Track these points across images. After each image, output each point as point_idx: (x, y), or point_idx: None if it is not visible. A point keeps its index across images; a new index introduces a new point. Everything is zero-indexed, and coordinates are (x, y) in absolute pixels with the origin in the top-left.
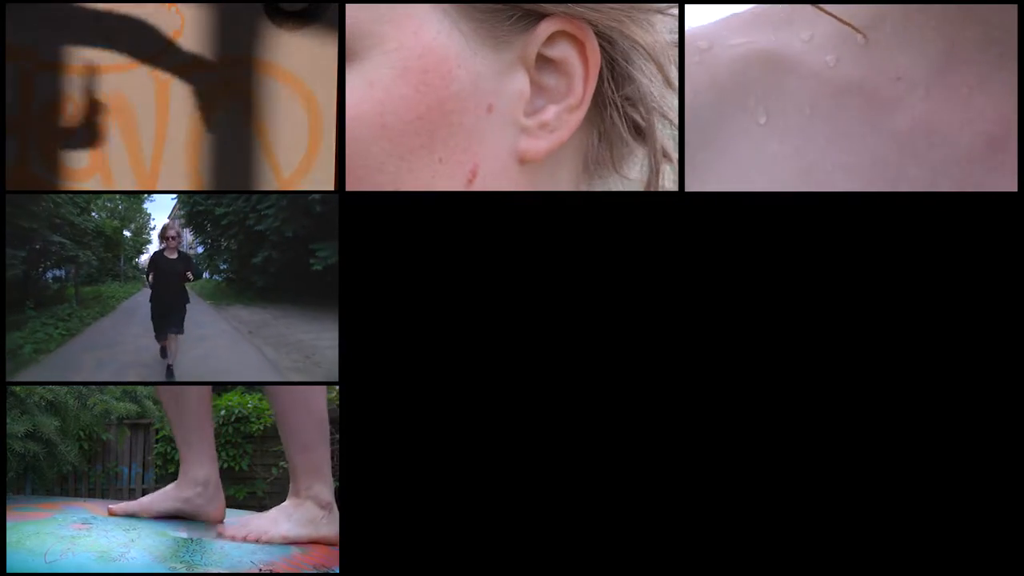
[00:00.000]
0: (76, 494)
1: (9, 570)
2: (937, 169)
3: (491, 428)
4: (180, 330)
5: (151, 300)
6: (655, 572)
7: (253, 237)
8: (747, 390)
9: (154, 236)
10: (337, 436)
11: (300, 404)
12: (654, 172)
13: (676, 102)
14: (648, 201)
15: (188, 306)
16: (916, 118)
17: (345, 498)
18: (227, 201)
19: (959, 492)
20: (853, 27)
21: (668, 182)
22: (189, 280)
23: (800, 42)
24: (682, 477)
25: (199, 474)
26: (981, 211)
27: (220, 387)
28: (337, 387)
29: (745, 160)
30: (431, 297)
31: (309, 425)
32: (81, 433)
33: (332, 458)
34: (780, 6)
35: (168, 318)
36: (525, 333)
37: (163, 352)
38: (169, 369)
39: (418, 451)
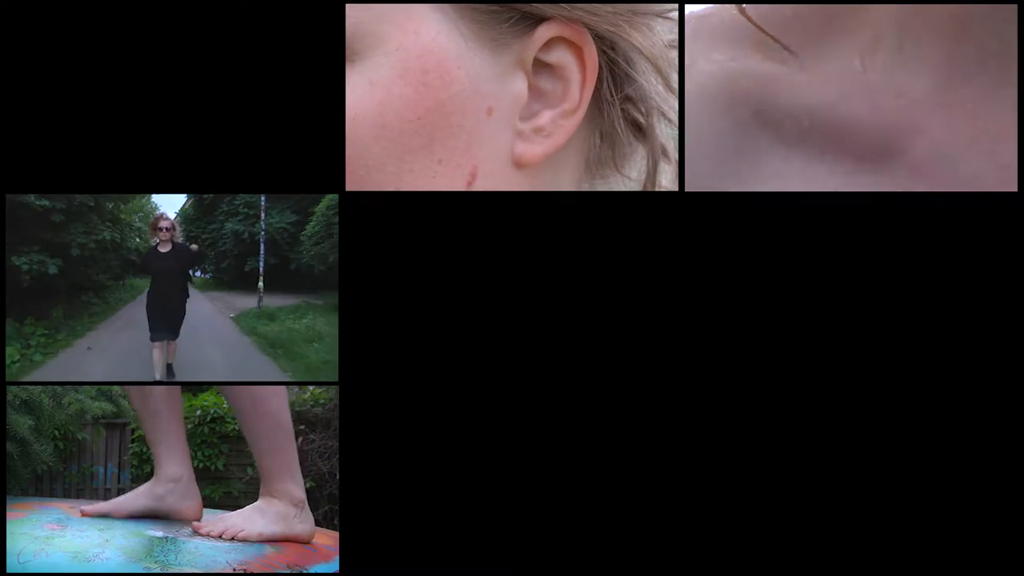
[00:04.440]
0: (51, 494)
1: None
2: (949, 189)
3: (490, 428)
4: (174, 335)
5: (147, 299)
6: (652, 570)
7: (220, 253)
8: (746, 390)
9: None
10: (312, 437)
11: (259, 408)
12: (651, 171)
13: (676, 103)
14: (648, 201)
15: (188, 305)
16: (922, 135)
17: (345, 497)
18: (209, 229)
19: (959, 493)
20: (778, 41)
21: (666, 180)
22: (191, 279)
23: (789, 60)
24: (681, 476)
25: (172, 471)
26: (981, 211)
27: (196, 387)
28: (311, 387)
29: (747, 175)
30: (431, 297)
31: (271, 428)
32: (56, 432)
33: (306, 457)
34: (748, 26)
35: (165, 321)
36: (525, 333)
37: (163, 366)
38: (169, 373)
39: (417, 450)
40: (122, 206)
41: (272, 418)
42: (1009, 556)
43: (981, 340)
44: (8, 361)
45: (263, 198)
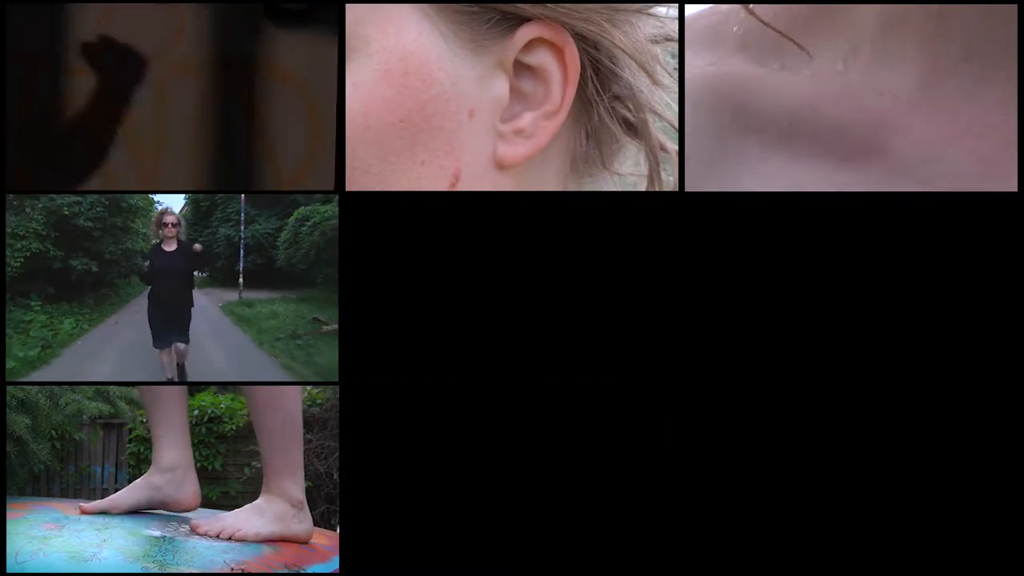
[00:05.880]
0: (48, 494)
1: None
2: (932, 184)
3: (490, 427)
4: (185, 339)
5: (148, 302)
6: (650, 570)
7: (216, 255)
8: (746, 391)
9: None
10: (310, 437)
11: (275, 405)
12: (654, 166)
13: (666, 99)
14: (648, 201)
15: (194, 310)
16: (904, 133)
17: (345, 497)
18: (205, 234)
19: (957, 493)
20: (790, 39)
21: (671, 177)
22: (200, 268)
23: (769, 62)
24: (680, 477)
25: (169, 459)
26: (981, 211)
27: (193, 387)
28: (309, 387)
29: (728, 180)
30: (431, 297)
31: (284, 426)
32: (53, 432)
33: (304, 458)
34: (733, 27)
35: (170, 324)
36: (525, 333)
37: (173, 367)
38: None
39: (418, 450)
40: (131, 216)
41: (284, 415)
42: (1009, 556)
43: (981, 341)
44: (68, 327)
45: (243, 207)
